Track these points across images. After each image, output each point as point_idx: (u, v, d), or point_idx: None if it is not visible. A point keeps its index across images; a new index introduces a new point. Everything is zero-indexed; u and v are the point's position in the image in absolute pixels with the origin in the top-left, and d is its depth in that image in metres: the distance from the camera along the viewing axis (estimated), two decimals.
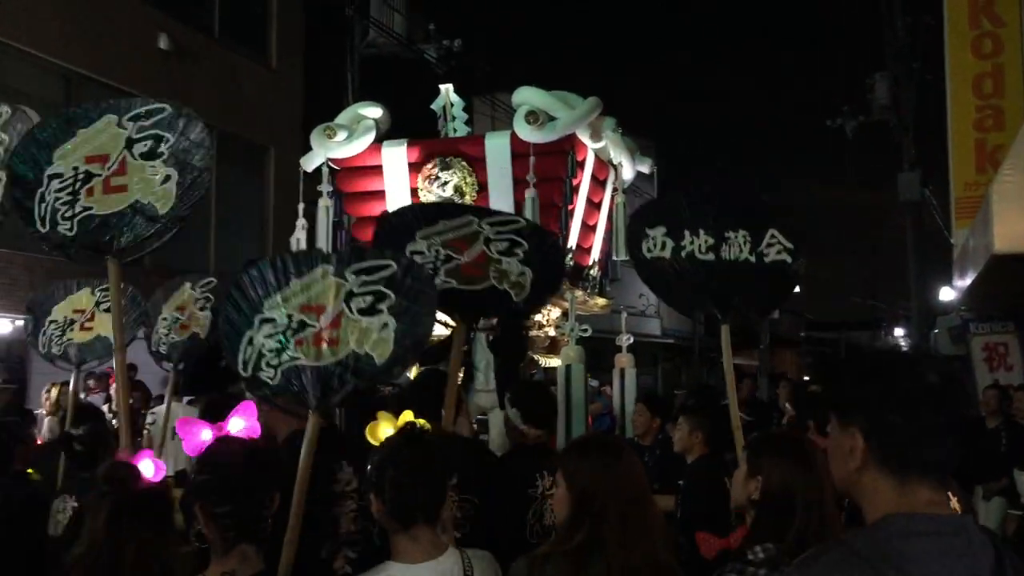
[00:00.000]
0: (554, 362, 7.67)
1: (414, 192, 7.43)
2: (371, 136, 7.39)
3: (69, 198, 3.55)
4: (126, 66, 12.69)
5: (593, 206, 7.63)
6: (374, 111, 7.50)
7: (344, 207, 7.60)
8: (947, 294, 16.35)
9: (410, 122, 8.56)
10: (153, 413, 8.14)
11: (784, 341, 35.03)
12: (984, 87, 10.57)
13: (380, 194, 7.52)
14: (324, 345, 3.12)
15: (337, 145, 7.37)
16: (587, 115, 6.96)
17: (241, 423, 2.72)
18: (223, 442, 2.57)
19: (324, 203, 7.47)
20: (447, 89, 7.77)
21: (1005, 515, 7.67)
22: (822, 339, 41.22)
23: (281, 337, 3.15)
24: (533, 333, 7.66)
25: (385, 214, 4.92)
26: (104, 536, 2.31)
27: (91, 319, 5.65)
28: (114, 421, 5.66)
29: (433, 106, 7.81)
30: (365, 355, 3.12)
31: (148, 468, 2.45)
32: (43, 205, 3.59)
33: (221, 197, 13.88)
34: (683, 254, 4.19)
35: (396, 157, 7.37)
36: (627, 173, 7.75)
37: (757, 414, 8.34)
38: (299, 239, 7.39)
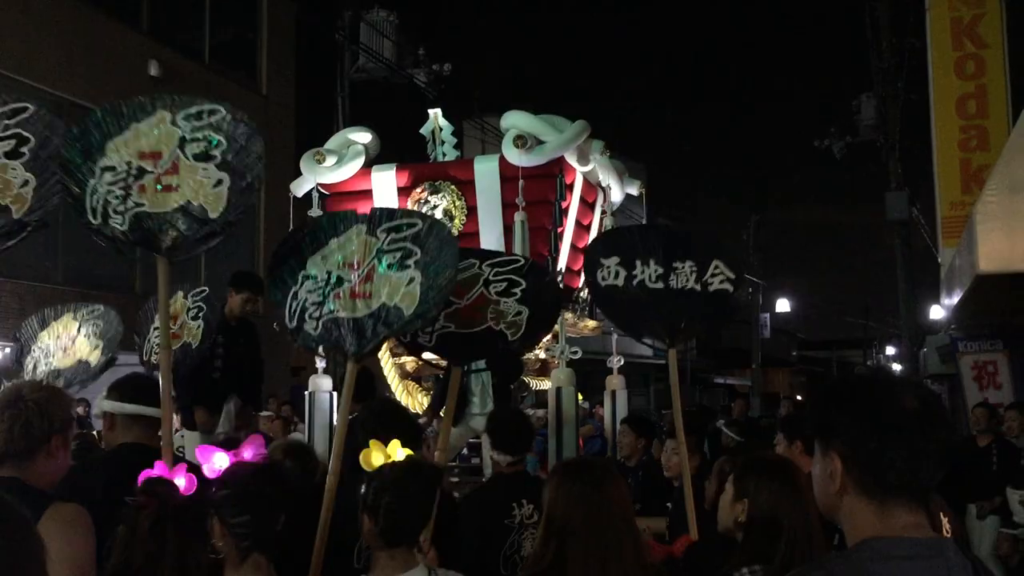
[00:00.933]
0: (545, 384, 7.68)
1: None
2: (360, 161, 7.42)
3: (122, 192, 3.46)
4: (118, 93, 12.68)
5: (583, 228, 7.66)
6: (363, 136, 7.54)
7: None
8: (937, 312, 16.43)
9: (400, 146, 8.61)
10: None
11: (776, 361, 35.09)
12: (968, 108, 10.67)
13: None
14: (359, 298, 3.50)
15: (327, 170, 7.40)
16: (575, 138, 7.00)
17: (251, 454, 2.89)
18: (240, 464, 2.74)
19: None
20: (436, 114, 7.82)
21: (999, 534, 7.68)
22: (814, 358, 41.28)
23: (320, 292, 3.54)
24: (524, 356, 7.67)
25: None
26: (144, 548, 2.43)
27: (72, 343, 5.66)
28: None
29: (422, 130, 7.85)
30: (395, 307, 3.48)
31: (182, 482, 2.61)
32: (95, 196, 3.48)
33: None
34: (635, 282, 4.50)
35: (385, 181, 7.40)
36: (616, 195, 7.80)
37: (748, 434, 8.33)
38: None
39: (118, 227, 3.45)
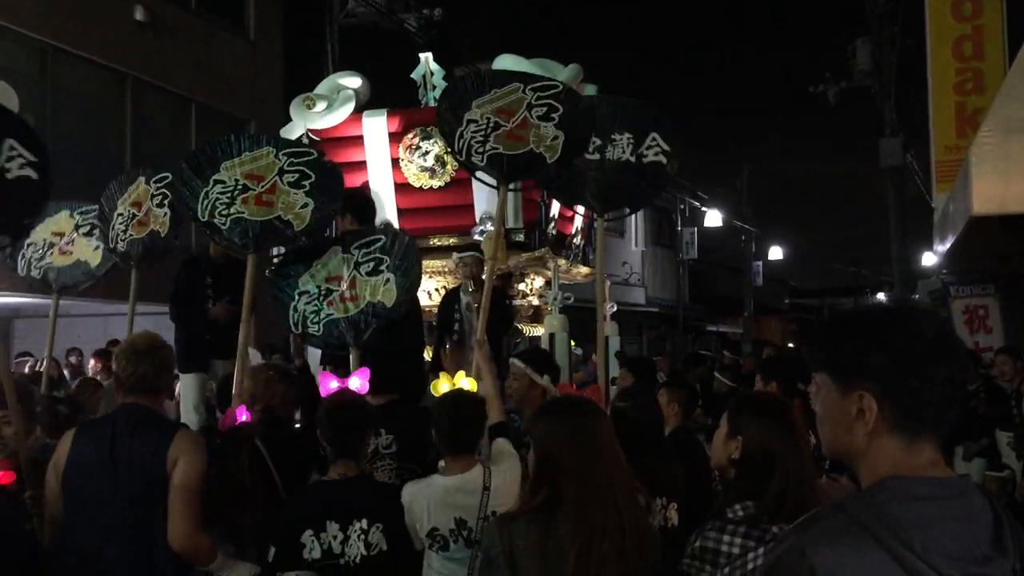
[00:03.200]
0: (538, 331, 7.69)
1: (395, 163, 7.40)
2: (351, 106, 7.35)
3: (228, 200, 4.54)
4: (102, 39, 12.53)
5: None
6: (354, 81, 7.46)
7: None
8: (929, 259, 16.47)
9: (391, 92, 8.51)
10: None
11: (768, 309, 35.21)
12: (964, 50, 10.56)
13: (361, 164, 7.49)
14: (348, 302, 4.46)
15: (317, 115, 7.33)
16: (568, 82, 6.93)
17: (357, 381, 3.74)
18: (340, 391, 3.60)
19: None
20: (427, 58, 7.73)
21: (984, 476, 7.78)
22: (806, 306, 41.45)
23: (316, 303, 4.49)
24: (517, 302, 7.67)
25: (446, 88, 5.64)
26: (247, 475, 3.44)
27: (71, 244, 5.52)
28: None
29: (413, 75, 7.77)
30: (379, 302, 4.42)
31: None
32: (205, 201, 4.55)
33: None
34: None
35: (376, 127, 7.34)
36: None
37: (740, 379, 8.40)
38: None
39: (221, 225, 4.54)
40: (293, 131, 7.47)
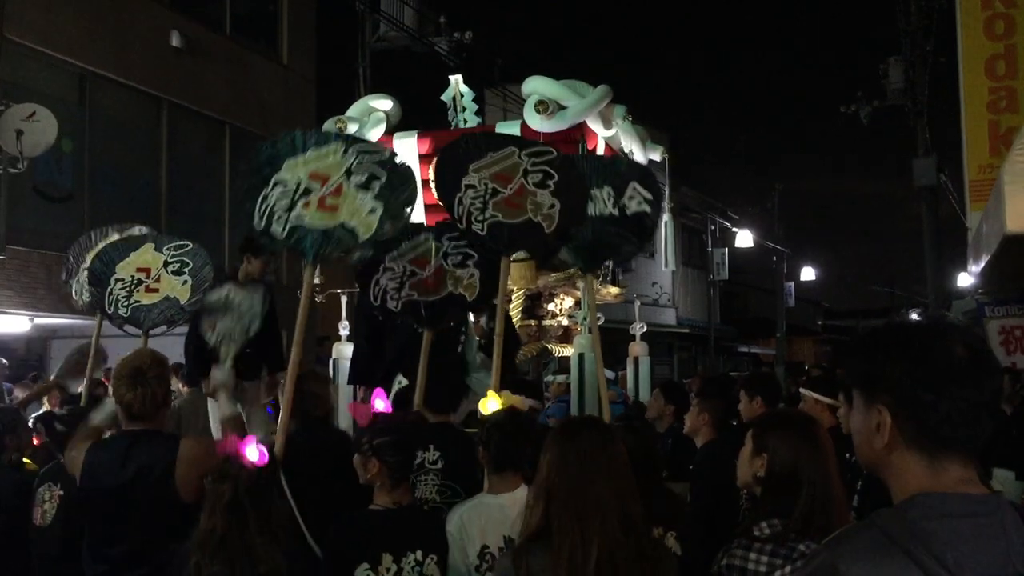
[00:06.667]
0: (567, 351, 7.68)
1: (425, 184, 7.46)
2: (382, 128, 7.42)
3: (287, 203, 4.02)
4: (139, 64, 12.78)
5: None
6: (385, 103, 7.54)
7: None
8: (964, 280, 16.24)
9: (422, 115, 8.59)
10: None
11: (801, 330, 34.90)
12: (997, 69, 10.47)
13: None
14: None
15: None
16: (597, 103, 6.96)
17: (381, 403, 3.66)
18: (384, 414, 3.52)
19: None
20: (456, 80, 7.79)
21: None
22: (839, 327, 41.03)
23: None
24: (546, 322, 7.68)
25: (441, 149, 5.42)
26: (225, 520, 2.84)
27: (157, 280, 5.30)
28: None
29: (443, 96, 7.83)
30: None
31: (253, 453, 2.98)
32: (264, 205, 4.02)
33: (235, 193, 13.94)
34: None
35: (407, 149, 7.40)
36: (638, 161, 7.75)
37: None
38: None
39: (277, 234, 4.01)
40: None
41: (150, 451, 3.35)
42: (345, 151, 4.11)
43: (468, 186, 4.50)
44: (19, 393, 10.15)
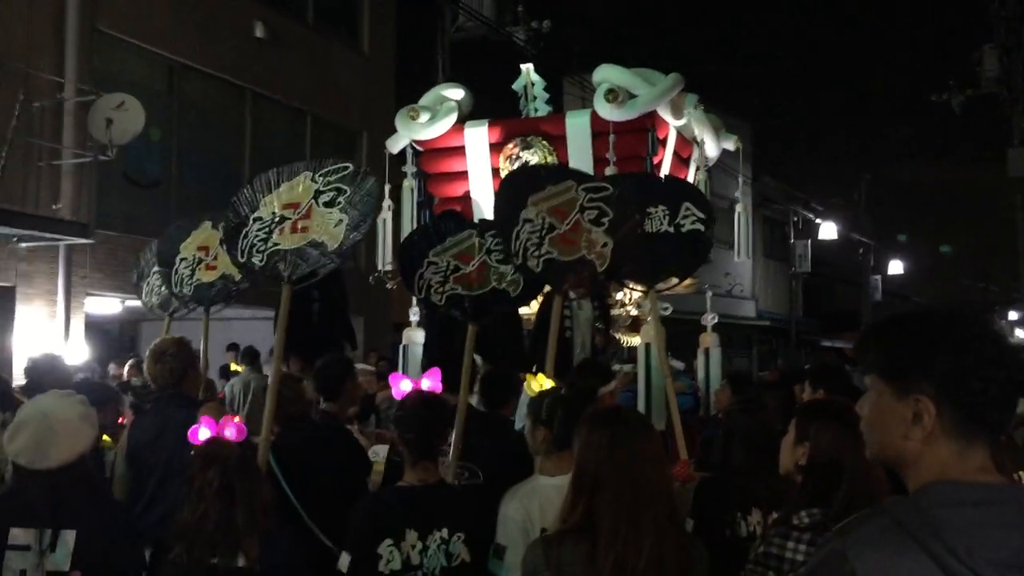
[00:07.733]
0: (635, 341, 7.65)
1: (495, 172, 7.50)
2: (453, 117, 7.48)
3: (265, 235, 4.31)
4: (225, 55, 13.12)
5: None
6: (456, 92, 7.59)
7: (428, 187, 7.71)
8: None
9: (499, 105, 8.63)
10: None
11: None
12: None
13: (463, 175, 7.62)
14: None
15: (420, 126, 7.49)
16: (668, 92, 6.90)
17: (428, 382, 3.45)
18: (416, 391, 3.35)
19: (408, 184, 7.60)
20: (528, 69, 7.80)
21: None
22: None
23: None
24: (615, 312, 7.66)
25: (503, 179, 5.61)
26: (217, 505, 2.86)
27: (215, 258, 5.39)
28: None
29: (514, 86, 7.85)
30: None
31: (231, 432, 3.01)
32: (245, 240, 4.36)
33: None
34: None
35: (478, 137, 7.45)
36: (711, 150, 7.65)
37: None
38: (385, 219, 7.54)
39: (256, 263, 4.30)
40: (398, 142, 7.66)
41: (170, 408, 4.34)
42: (314, 177, 4.35)
43: (526, 220, 4.56)
44: (115, 370, 10.60)
